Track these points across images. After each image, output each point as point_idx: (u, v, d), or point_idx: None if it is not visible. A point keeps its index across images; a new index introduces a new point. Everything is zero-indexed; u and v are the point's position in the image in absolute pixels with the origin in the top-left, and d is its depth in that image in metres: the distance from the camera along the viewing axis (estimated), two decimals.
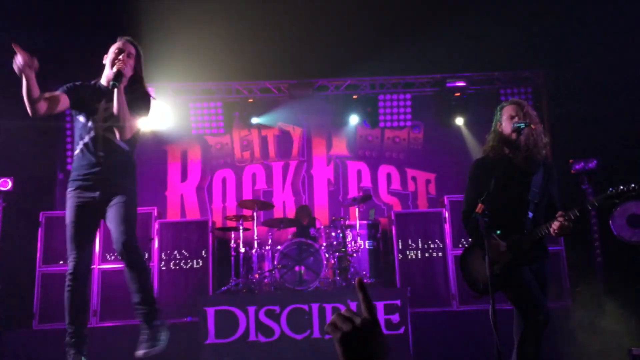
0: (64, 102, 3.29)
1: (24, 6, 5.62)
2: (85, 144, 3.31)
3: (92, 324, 5.43)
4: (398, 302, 4.95)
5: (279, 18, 6.17)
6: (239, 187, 7.77)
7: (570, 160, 5.80)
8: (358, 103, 7.78)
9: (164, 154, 7.73)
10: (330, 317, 5.05)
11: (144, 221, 5.85)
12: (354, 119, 7.79)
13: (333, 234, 6.04)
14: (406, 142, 7.95)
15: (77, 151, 3.35)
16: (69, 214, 3.30)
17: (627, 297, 4.86)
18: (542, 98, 7.50)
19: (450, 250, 5.91)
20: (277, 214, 7.44)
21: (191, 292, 5.74)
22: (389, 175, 7.85)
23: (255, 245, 5.99)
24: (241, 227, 6.12)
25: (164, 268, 5.95)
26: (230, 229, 6.39)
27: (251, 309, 4.92)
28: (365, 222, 6.56)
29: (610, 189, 2.89)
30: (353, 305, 4.87)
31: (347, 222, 6.28)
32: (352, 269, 5.95)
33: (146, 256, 5.71)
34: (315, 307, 4.94)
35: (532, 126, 3.16)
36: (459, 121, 7.64)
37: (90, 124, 3.31)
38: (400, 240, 6.01)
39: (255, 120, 7.78)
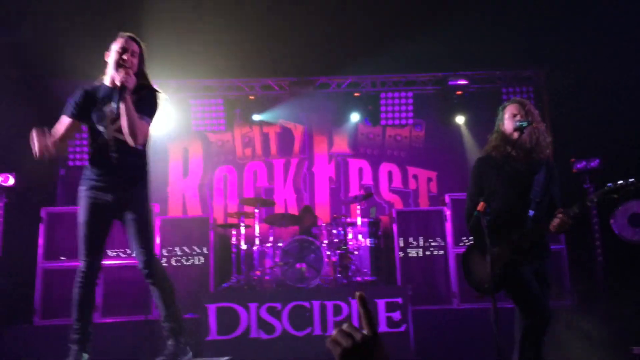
0: (75, 126, 3.33)
1: (21, 1, 5.62)
2: (98, 145, 3.29)
3: (95, 320, 5.42)
4: (399, 300, 4.96)
5: (280, 15, 6.17)
6: (240, 184, 7.78)
7: (572, 160, 5.80)
8: (359, 101, 7.77)
9: (165, 150, 7.73)
10: (331, 315, 5.06)
11: None
12: (355, 117, 7.78)
13: (334, 231, 6.05)
14: (408, 140, 7.95)
15: (91, 150, 3.35)
16: (82, 213, 3.28)
17: (627, 296, 4.87)
18: (543, 97, 7.50)
19: (451, 249, 5.90)
20: (278, 211, 7.43)
21: (192, 288, 5.72)
22: (390, 173, 7.85)
23: (257, 242, 6.00)
24: (242, 224, 6.13)
25: (165, 264, 5.94)
26: (231, 226, 6.40)
27: (252, 306, 4.93)
28: (366, 219, 6.56)
29: (609, 184, 2.90)
30: (354, 303, 4.87)
31: (348, 219, 6.31)
32: (353, 267, 5.97)
33: None
34: (316, 304, 4.94)
35: (534, 125, 3.16)
36: (460, 120, 7.64)
37: (100, 127, 3.28)
38: (401, 238, 6.01)
39: (256, 117, 7.76)
